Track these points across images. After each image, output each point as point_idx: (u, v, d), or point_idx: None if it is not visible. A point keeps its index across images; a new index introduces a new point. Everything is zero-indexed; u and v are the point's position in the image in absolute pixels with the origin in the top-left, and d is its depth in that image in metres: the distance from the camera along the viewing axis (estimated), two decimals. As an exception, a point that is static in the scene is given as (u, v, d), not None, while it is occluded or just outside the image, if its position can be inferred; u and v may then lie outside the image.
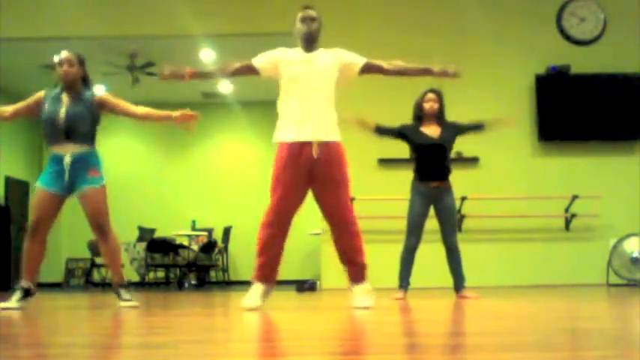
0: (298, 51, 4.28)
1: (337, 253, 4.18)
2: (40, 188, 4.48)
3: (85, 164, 4.51)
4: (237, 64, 4.27)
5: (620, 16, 8.55)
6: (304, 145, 4.03)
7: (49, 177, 4.50)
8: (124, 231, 11.43)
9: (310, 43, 4.28)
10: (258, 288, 4.03)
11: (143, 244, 10.58)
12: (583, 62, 8.47)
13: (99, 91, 4.71)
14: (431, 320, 3.37)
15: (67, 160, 4.47)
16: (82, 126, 4.49)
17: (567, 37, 8.58)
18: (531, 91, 8.51)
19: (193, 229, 11.93)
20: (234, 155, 13.17)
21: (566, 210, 8.29)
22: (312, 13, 4.40)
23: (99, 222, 4.47)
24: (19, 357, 1.99)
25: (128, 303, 4.49)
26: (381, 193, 7.87)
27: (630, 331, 2.55)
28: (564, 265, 8.22)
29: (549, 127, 8.41)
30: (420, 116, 5.59)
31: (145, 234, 11.74)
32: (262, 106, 12.70)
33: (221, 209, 12.80)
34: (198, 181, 13.06)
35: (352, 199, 8.08)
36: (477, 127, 5.77)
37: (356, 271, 4.12)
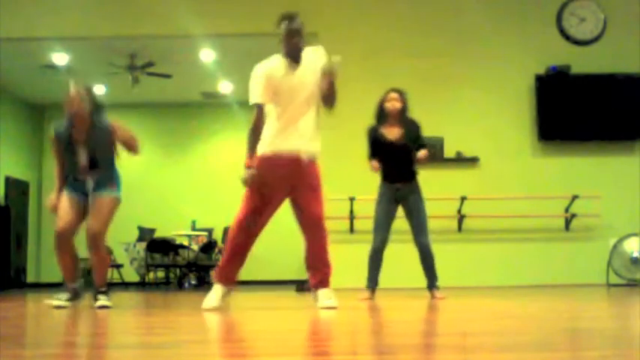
0: (282, 64, 4.12)
1: (306, 257, 4.25)
2: (65, 195, 4.57)
3: (106, 180, 4.63)
4: (258, 122, 4.09)
5: (620, 16, 8.55)
6: (289, 155, 4.10)
7: (72, 187, 4.59)
8: (124, 231, 11.47)
9: (297, 57, 4.14)
10: (218, 289, 4.14)
11: (143, 244, 10.58)
12: (583, 62, 8.47)
13: (110, 121, 4.67)
14: (430, 320, 3.37)
15: (90, 185, 4.59)
16: (103, 160, 4.57)
17: (567, 37, 8.58)
18: (531, 91, 8.50)
19: (193, 229, 11.94)
20: (234, 155, 13.11)
21: (566, 210, 8.29)
22: (297, 26, 4.19)
23: (95, 229, 4.50)
24: (19, 357, 1.99)
25: (101, 302, 4.53)
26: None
27: (630, 331, 2.55)
28: (564, 265, 8.22)
29: (549, 127, 8.40)
30: (381, 116, 5.50)
31: (145, 234, 11.74)
32: (262, 106, 12.76)
33: (221, 209, 12.77)
34: (198, 181, 13.07)
35: (352, 199, 8.11)
36: (419, 147, 5.51)
37: (322, 276, 4.18)
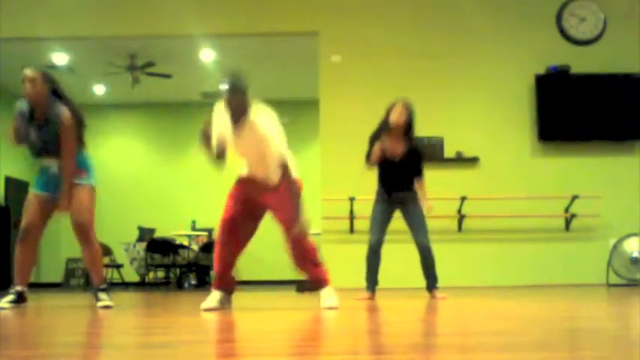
0: (228, 119, 4.17)
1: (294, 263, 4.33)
2: (31, 192, 4.56)
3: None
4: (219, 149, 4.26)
5: (620, 16, 8.55)
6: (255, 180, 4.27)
7: (40, 182, 4.58)
8: (124, 231, 11.48)
9: (237, 118, 4.12)
10: (215, 294, 4.22)
11: (143, 244, 10.57)
12: (583, 62, 8.47)
13: (64, 111, 4.51)
14: (430, 320, 3.37)
15: (54, 170, 4.53)
16: (55, 144, 4.48)
17: (567, 37, 8.58)
18: (531, 91, 8.51)
19: (193, 229, 11.93)
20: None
21: (566, 210, 8.29)
22: (233, 92, 4.06)
23: (81, 220, 4.46)
24: (19, 357, 1.99)
25: (103, 302, 4.51)
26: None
27: (630, 331, 2.55)
28: (564, 265, 8.22)
29: (549, 127, 8.41)
30: (385, 127, 5.42)
31: (144, 234, 11.73)
32: (262, 106, 12.76)
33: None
34: (198, 181, 13.06)
35: (352, 199, 8.11)
36: (417, 176, 5.54)
37: (316, 282, 4.28)
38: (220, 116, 4.19)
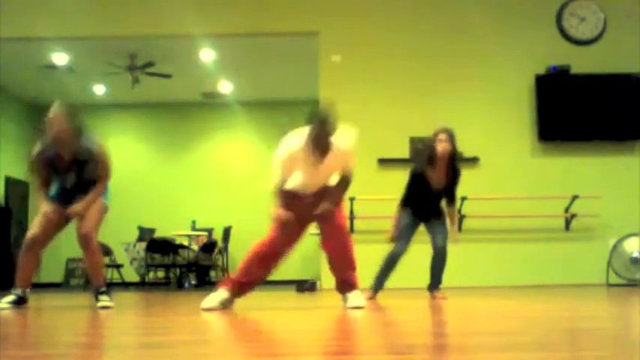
0: (306, 150, 4.01)
1: (329, 264, 4.31)
2: (47, 203, 4.50)
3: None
4: (280, 180, 4.13)
5: (620, 16, 8.55)
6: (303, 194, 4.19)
7: (54, 193, 4.57)
8: (124, 231, 11.48)
9: (322, 151, 4.01)
10: (222, 294, 4.14)
11: (143, 244, 10.57)
12: (583, 62, 8.47)
13: (96, 147, 4.53)
14: (430, 320, 3.37)
15: (66, 185, 4.56)
16: (91, 182, 4.50)
17: (567, 37, 8.58)
18: (531, 91, 8.51)
19: (193, 229, 11.93)
20: (234, 155, 13.16)
21: (566, 210, 8.29)
22: (329, 125, 3.95)
23: (85, 231, 4.46)
24: (19, 357, 1.99)
25: (103, 303, 4.51)
26: (380, 193, 7.86)
27: (630, 331, 2.55)
28: (564, 265, 8.22)
29: (549, 127, 8.41)
30: (431, 157, 5.36)
31: (144, 234, 11.73)
32: (262, 106, 12.74)
33: (221, 209, 12.80)
34: (198, 181, 13.06)
35: (352, 199, 8.11)
36: (448, 201, 5.53)
37: (348, 284, 4.25)
38: (292, 151, 4.03)
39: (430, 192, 5.43)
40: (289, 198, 4.12)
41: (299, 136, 4.03)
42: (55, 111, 4.42)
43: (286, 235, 4.17)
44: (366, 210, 8.18)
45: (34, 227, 4.50)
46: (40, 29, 8.77)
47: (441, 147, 5.30)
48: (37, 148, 4.51)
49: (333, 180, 4.23)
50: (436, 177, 5.39)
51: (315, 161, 4.03)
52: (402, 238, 5.52)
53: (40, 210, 4.51)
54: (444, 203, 5.56)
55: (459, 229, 8.22)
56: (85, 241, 4.48)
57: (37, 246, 4.52)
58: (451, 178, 5.42)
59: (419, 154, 5.56)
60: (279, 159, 4.07)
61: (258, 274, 4.20)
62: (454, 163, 5.41)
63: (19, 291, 4.52)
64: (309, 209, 4.14)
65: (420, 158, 5.53)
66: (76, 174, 4.47)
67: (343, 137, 4.06)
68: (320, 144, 3.97)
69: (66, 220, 4.56)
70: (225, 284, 4.20)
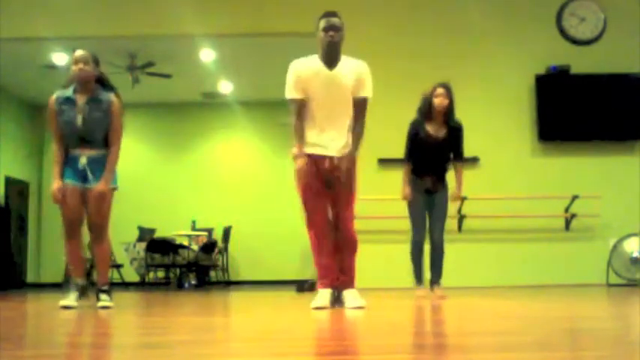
0: (318, 64, 4.12)
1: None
2: (68, 184, 4.49)
3: (101, 165, 4.54)
4: (295, 118, 4.16)
5: (620, 16, 8.55)
6: (324, 158, 4.20)
7: (71, 172, 4.53)
8: (124, 231, 11.47)
9: (332, 54, 4.12)
10: (324, 293, 4.19)
11: (143, 244, 10.58)
12: (583, 62, 8.47)
13: (114, 97, 4.59)
14: (430, 320, 3.37)
15: (83, 161, 4.52)
16: (99, 132, 4.50)
17: (567, 37, 8.58)
18: (531, 91, 8.51)
19: (193, 229, 11.94)
20: (234, 155, 13.17)
21: (566, 210, 8.30)
22: (335, 21, 4.15)
23: (98, 221, 4.51)
24: (20, 357, 1.99)
25: (104, 303, 4.54)
26: (381, 193, 7.86)
27: (630, 331, 2.55)
28: (564, 265, 8.22)
29: (549, 127, 8.41)
30: (427, 111, 5.44)
31: (145, 234, 11.74)
32: (262, 106, 12.75)
33: (221, 209, 12.80)
34: (198, 181, 13.07)
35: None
36: (455, 159, 5.59)
37: (347, 280, 4.28)
38: (300, 68, 4.10)
39: (430, 147, 5.42)
40: (310, 164, 4.16)
41: (308, 56, 4.13)
42: (81, 51, 4.53)
43: (317, 202, 4.17)
44: (366, 210, 8.17)
45: (65, 212, 4.49)
46: (40, 29, 8.76)
47: (438, 101, 5.36)
48: (56, 93, 4.58)
49: (348, 108, 4.18)
50: (434, 129, 5.43)
51: (325, 69, 4.05)
52: (419, 223, 5.52)
53: (62, 194, 4.46)
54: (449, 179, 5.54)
55: (459, 229, 8.23)
56: (96, 229, 4.51)
57: (76, 229, 4.51)
58: (450, 132, 5.43)
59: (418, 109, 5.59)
60: (290, 71, 4.12)
61: (328, 252, 4.19)
62: (451, 118, 5.44)
63: (79, 281, 4.55)
64: (330, 173, 4.17)
65: (417, 115, 5.56)
66: (86, 115, 4.45)
67: (354, 60, 4.18)
68: (326, 38, 4.01)
69: (85, 199, 4.53)
70: (321, 285, 4.24)
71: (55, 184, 4.49)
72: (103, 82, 4.63)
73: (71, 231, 4.49)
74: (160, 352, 2.09)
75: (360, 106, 4.19)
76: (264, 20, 8.77)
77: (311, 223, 4.18)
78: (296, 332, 2.76)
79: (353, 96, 4.16)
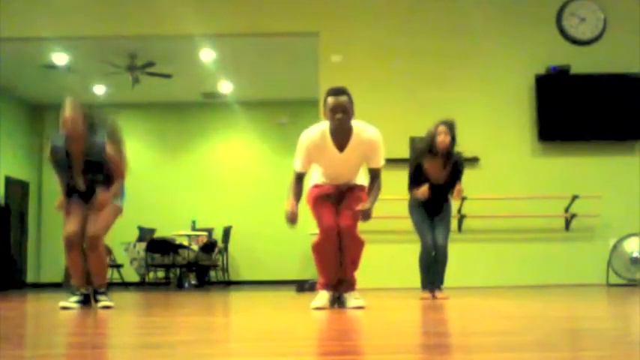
0: (329, 144, 4.06)
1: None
2: (66, 199, 4.57)
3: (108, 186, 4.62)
4: (294, 185, 4.17)
5: (620, 16, 8.55)
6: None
7: (77, 196, 4.60)
8: (124, 231, 11.45)
9: (342, 136, 4.04)
10: (324, 295, 4.19)
11: (143, 244, 10.57)
12: (583, 62, 8.47)
13: (107, 142, 4.56)
14: (430, 320, 3.37)
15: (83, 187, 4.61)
16: (100, 178, 4.52)
17: (567, 37, 8.58)
18: (531, 91, 8.50)
19: (193, 229, 11.93)
20: (234, 155, 13.16)
21: (566, 210, 8.29)
22: (343, 101, 3.97)
23: (95, 232, 4.50)
24: (20, 357, 1.99)
25: (104, 303, 4.54)
26: (381, 193, 7.85)
27: (630, 331, 2.55)
28: (564, 265, 8.21)
29: (549, 127, 8.40)
30: (430, 150, 5.42)
31: (145, 234, 11.73)
32: (262, 106, 12.74)
33: (221, 209, 12.80)
34: (198, 181, 13.06)
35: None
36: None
37: (348, 284, 4.28)
38: (313, 137, 4.08)
39: (433, 186, 5.44)
40: (320, 187, 4.25)
41: (320, 126, 4.09)
42: (70, 112, 4.43)
43: (323, 206, 4.19)
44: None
45: (66, 227, 4.52)
46: (40, 29, 8.76)
47: (440, 139, 5.34)
48: (49, 146, 4.56)
49: (360, 179, 4.29)
50: (435, 170, 5.43)
51: (335, 151, 4.04)
52: (426, 231, 5.53)
53: (63, 206, 4.56)
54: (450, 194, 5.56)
55: (459, 229, 8.23)
56: (93, 243, 4.51)
57: (75, 244, 4.52)
58: (452, 172, 5.44)
59: (419, 146, 5.58)
60: (301, 145, 4.10)
61: (333, 266, 4.19)
62: (453, 156, 5.43)
63: (83, 290, 4.58)
64: (340, 193, 4.26)
65: (419, 149, 5.56)
66: (83, 170, 4.49)
67: (366, 129, 4.09)
68: (333, 120, 3.95)
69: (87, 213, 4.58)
70: (321, 286, 4.24)
71: (61, 198, 4.60)
72: (94, 127, 4.57)
73: (70, 244, 4.49)
74: (161, 352, 2.08)
75: (373, 173, 4.22)
76: (264, 20, 8.77)
77: (319, 224, 4.18)
78: (296, 332, 2.76)
79: (369, 167, 4.20)
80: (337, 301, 4.28)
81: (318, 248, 4.17)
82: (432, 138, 5.41)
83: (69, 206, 4.55)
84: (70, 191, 4.60)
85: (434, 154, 5.42)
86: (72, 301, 4.49)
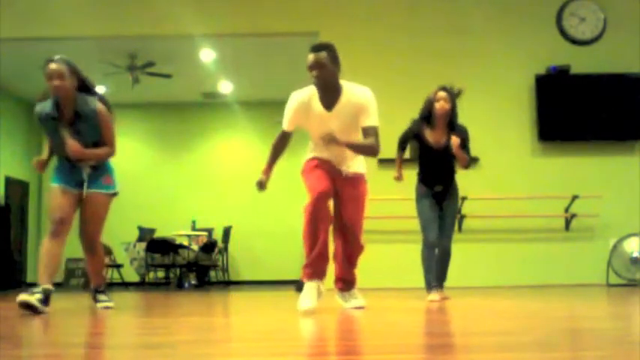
0: (316, 104, 3.95)
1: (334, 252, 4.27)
2: (58, 187, 4.25)
3: (101, 172, 4.39)
4: (277, 143, 4.10)
5: (620, 16, 8.55)
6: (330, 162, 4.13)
7: (61, 175, 4.30)
8: (124, 231, 11.48)
9: (326, 93, 3.93)
10: (311, 287, 3.92)
11: (143, 244, 10.58)
12: (583, 62, 8.47)
13: (97, 100, 4.25)
14: (430, 320, 3.37)
15: (86, 173, 4.32)
16: (90, 144, 4.22)
17: (567, 37, 8.58)
18: (531, 91, 8.51)
19: (193, 229, 11.94)
20: (234, 155, 13.17)
21: (566, 210, 8.29)
22: (319, 57, 3.89)
23: (90, 230, 4.35)
24: (19, 357, 1.99)
25: (104, 304, 4.49)
26: (381, 193, 7.85)
27: (630, 331, 2.55)
28: (564, 265, 8.21)
29: (549, 127, 8.41)
30: (428, 116, 5.22)
31: (145, 234, 11.74)
32: (262, 106, 12.75)
33: (221, 209, 12.80)
34: (198, 181, 13.07)
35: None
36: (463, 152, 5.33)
37: (348, 282, 4.25)
38: (301, 99, 3.97)
39: (434, 158, 5.26)
40: (312, 161, 4.09)
41: (311, 87, 3.98)
42: (54, 65, 4.07)
43: (318, 176, 3.96)
44: (367, 210, 8.16)
45: (54, 211, 4.17)
46: (39, 29, 8.76)
47: (439, 105, 5.11)
48: (38, 108, 4.23)
49: (360, 166, 4.23)
50: (434, 138, 5.21)
51: (322, 109, 3.92)
52: (430, 226, 5.27)
53: (53, 194, 4.24)
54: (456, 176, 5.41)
55: (460, 229, 8.23)
56: (88, 239, 4.38)
57: (63, 228, 4.14)
58: (460, 134, 5.21)
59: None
60: (288, 105, 4.00)
61: (322, 239, 3.87)
62: (453, 123, 5.21)
63: (46, 286, 3.97)
64: (335, 170, 4.09)
65: (417, 119, 5.33)
66: (74, 133, 4.17)
67: (356, 88, 3.99)
68: (314, 80, 3.85)
69: (77, 204, 4.32)
70: (305, 275, 3.93)
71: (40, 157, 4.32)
72: (85, 88, 4.23)
73: (56, 230, 4.12)
74: (161, 352, 2.08)
75: (367, 133, 3.96)
76: (264, 20, 8.77)
77: (310, 187, 3.92)
78: (296, 332, 2.76)
79: (361, 126, 3.98)
80: (341, 297, 4.24)
81: (307, 210, 3.84)
82: (430, 104, 5.17)
83: (54, 192, 4.24)
84: (62, 170, 4.32)
85: (432, 123, 5.18)
86: (35, 297, 3.90)
